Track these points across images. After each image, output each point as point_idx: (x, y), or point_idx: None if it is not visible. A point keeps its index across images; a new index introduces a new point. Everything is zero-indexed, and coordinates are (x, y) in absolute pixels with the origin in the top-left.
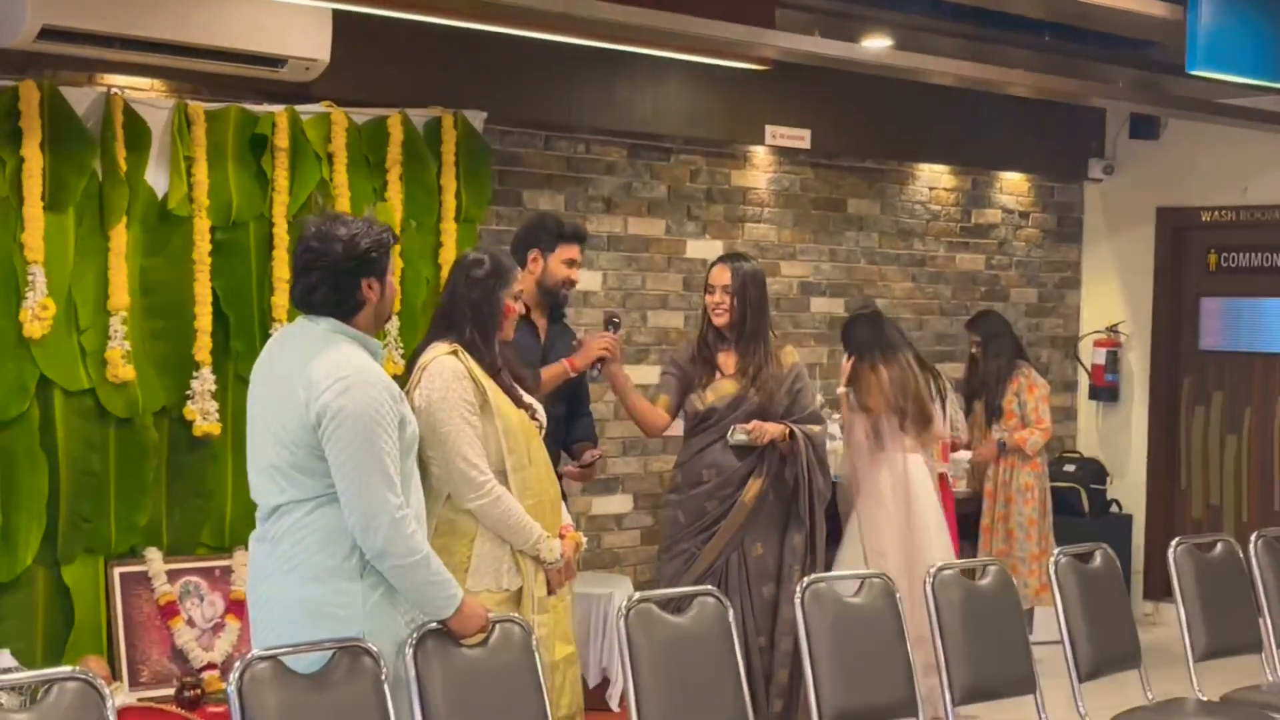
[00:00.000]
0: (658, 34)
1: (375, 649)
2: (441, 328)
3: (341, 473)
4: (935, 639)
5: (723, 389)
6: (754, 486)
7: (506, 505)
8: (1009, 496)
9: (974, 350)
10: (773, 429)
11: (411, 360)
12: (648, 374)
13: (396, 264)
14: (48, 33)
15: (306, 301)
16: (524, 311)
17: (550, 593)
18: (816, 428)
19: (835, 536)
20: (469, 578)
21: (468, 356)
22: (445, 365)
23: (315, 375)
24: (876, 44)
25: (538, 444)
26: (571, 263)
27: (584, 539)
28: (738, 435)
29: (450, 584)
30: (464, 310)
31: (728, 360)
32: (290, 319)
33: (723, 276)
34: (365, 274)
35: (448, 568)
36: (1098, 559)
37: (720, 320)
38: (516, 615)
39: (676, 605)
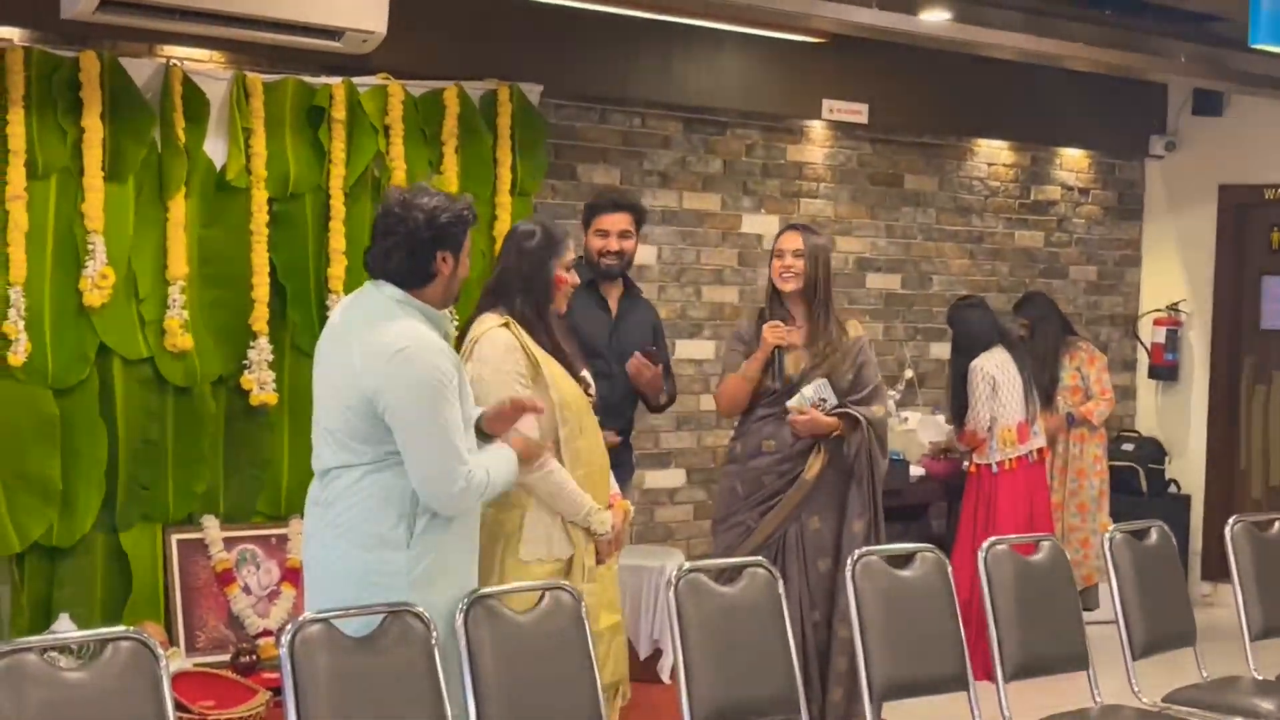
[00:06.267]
0: (714, 5)
1: (426, 614)
2: (491, 299)
3: (409, 442)
4: (988, 614)
5: (793, 362)
6: (816, 464)
7: (559, 478)
8: (1081, 469)
9: (1023, 334)
10: (822, 428)
11: (462, 332)
12: (704, 348)
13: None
14: (108, 4)
15: (381, 267)
16: (579, 282)
17: (600, 562)
18: (879, 410)
19: None
20: (521, 547)
21: (519, 328)
22: (498, 338)
23: (375, 345)
24: (935, 17)
25: (589, 415)
26: (603, 233)
27: (632, 507)
28: (802, 398)
29: (504, 462)
30: (515, 282)
31: (794, 332)
32: (348, 290)
33: (793, 241)
34: (441, 246)
35: (499, 538)
36: (1153, 535)
37: (789, 286)
38: (566, 583)
39: (727, 576)
